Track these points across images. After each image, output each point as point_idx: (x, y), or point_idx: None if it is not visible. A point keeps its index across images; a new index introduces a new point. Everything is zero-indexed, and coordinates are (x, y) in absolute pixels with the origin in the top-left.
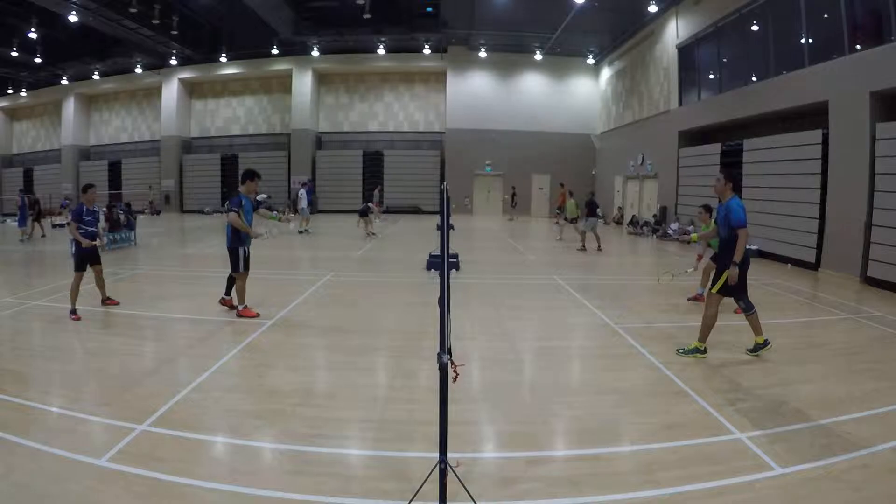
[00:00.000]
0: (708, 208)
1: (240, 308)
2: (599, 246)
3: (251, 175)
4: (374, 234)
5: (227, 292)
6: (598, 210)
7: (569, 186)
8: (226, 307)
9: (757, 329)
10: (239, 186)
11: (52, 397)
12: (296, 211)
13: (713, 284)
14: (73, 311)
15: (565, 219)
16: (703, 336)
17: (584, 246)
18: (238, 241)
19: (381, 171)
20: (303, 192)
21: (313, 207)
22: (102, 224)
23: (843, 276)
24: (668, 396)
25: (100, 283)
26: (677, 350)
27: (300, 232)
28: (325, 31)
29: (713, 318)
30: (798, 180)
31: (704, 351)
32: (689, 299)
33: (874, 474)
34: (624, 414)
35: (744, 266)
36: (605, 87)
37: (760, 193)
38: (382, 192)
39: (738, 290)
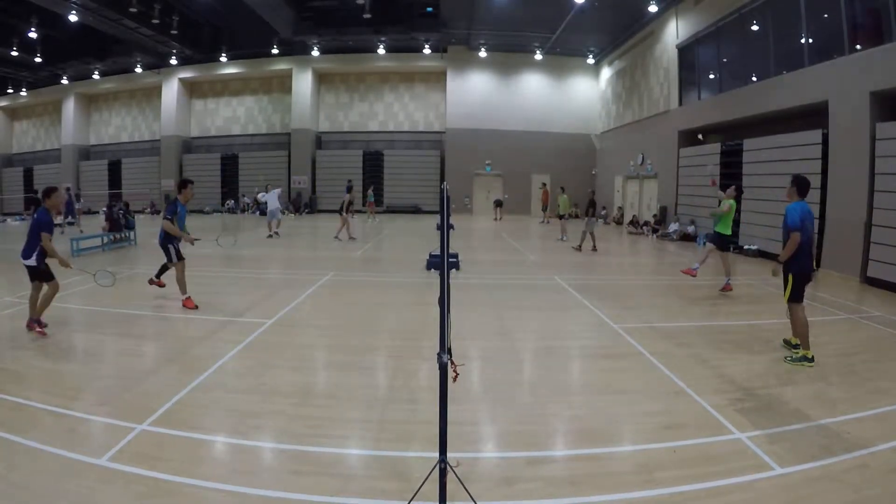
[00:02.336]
0: (739, 188)
1: (183, 298)
2: (594, 246)
3: (185, 184)
4: (354, 237)
5: (158, 275)
6: (596, 210)
7: (565, 186)
8: (155, 285)
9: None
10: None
11: (52, 397)
12: (297, 210)
13: (784, 292)
14: (38, 322)
15: (559, 216)
16: (805, 343)
17: (580, 246)
18: (168, 239)
19: (381, 170)
20: (271, 194)
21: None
22: (102, 224)
23: (843, 276)
24: (668, 396)
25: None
26: (785, 358)
27: (268, 236)
28: (325, 31)
29: (804, 323)
30: None
31: (812, 359)
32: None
33: (874, 474)
34: (624, 414)
35: (803, 269)
36: (605, 87)
37: (760, 193)
38: (352, 190)
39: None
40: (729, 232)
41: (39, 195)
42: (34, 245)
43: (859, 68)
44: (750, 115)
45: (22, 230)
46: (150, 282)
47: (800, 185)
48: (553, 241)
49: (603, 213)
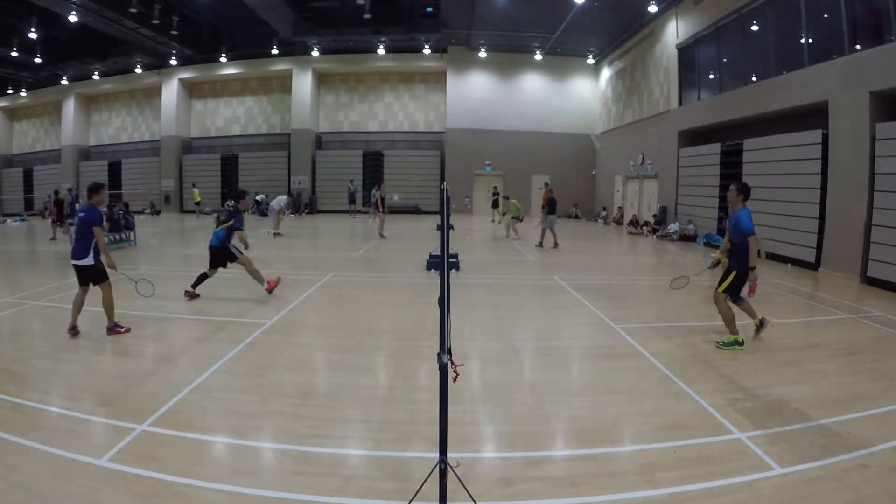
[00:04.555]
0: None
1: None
2: (556, 243)
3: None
4: (383, 235)
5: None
6: (555, 208)
7: (548, 184)
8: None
9: (751, 314)
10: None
11: (52, 397)
12: (296, 211)
13: (719, 284)
14: (118, 325)
15: (514, 217)
16: (733, 329)
17: (540, 242)
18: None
19: (381, 171)
20: (276, 200)
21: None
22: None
23: (843, 276)
24: (668, 396)
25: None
26: (717, 344)
27: (275, 234)
28: (325, 31)
29: (729, 310)
30: (798, 180)
31: (742, 343)
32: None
33: (874, 474)
34: (624, 414)
35: (745, 266)
36: (605, 87)
37: (760, 193)
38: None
39: (736, 290)
40: None
41: (85, 192)
42: (87, 243)
43: (859, 68)
44: (750, 115)
45: (22, 231)
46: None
47: (746, 192)
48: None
49: (603, 213)
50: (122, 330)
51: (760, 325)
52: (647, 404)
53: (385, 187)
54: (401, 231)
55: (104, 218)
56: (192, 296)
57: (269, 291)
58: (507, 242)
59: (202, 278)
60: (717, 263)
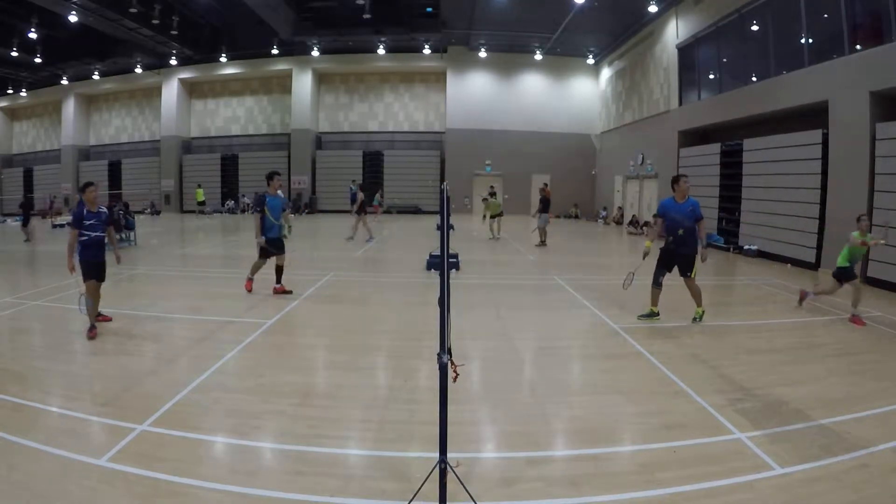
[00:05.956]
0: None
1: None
2: (545, 241)
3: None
4: (351, 238)
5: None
6: (548, 207)
7: (551, 186)
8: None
9: (654, 301)
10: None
11: (52, 397)
12: (295, 211)
13: (690, 272)
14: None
15: (494, 215)
16: (699, 301)
17: (542, 241)
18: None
19: (381, 170)
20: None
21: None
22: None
23: None
24: (668, 396)
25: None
26: (693, 320)
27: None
28: (325, 31)
29: (698, 289)
30: (798, 180)
31: (703, 313)
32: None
33: (874, 474)
34: (624, 414)
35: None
36: (605, 87)
37: (760, 193)
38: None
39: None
40: (846, 264)
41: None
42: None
43: (859, 68)
44: (750, 115)
45: (22, 230)
46: (275, 290)
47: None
48: (551, 239)
49: (603, 213)
50: (90, 330)
51: (650, 315)
52: (647, 404)
53: (359, 193)
54: (400, 231)
55: (82, 217)
56: (281, 291)
57: (248, 289)
58: (506, 243)
59: (278, 271)
60: (647, 253)
